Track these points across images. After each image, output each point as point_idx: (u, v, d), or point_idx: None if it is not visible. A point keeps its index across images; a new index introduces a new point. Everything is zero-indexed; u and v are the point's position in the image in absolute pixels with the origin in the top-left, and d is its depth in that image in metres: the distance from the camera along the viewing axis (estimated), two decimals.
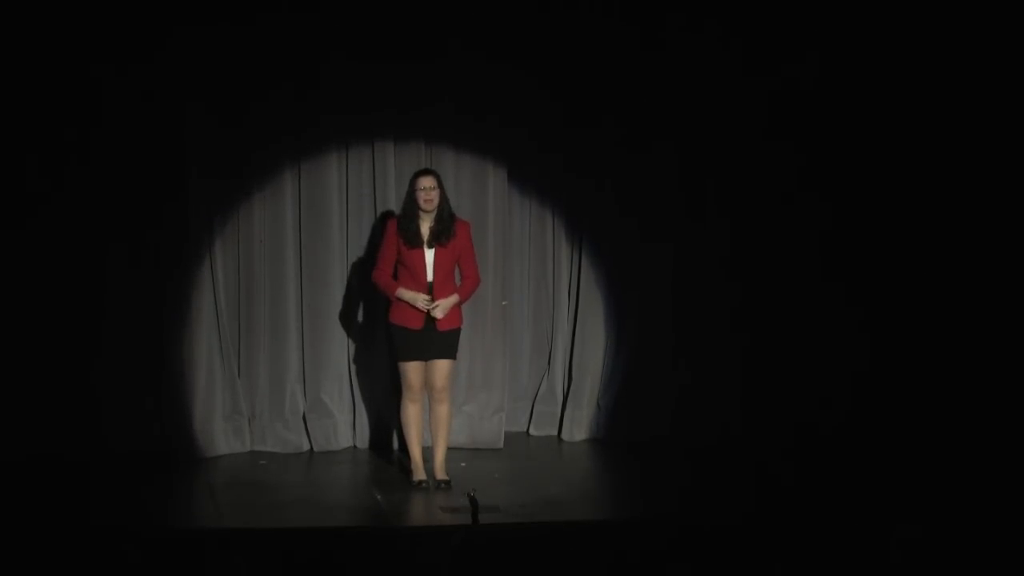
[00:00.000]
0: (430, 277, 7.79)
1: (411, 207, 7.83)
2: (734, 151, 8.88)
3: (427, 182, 7.79)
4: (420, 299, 7.78)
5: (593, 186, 9.08)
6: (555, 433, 9.26)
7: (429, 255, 7.80)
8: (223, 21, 8.41)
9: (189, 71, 8.41)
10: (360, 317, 8.86)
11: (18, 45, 8.13)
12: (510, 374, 9.17)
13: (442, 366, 7.85)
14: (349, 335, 8.87)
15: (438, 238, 7.79)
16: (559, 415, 9.26)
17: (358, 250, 8.87)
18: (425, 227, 7.81)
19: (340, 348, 8.87)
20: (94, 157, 8.32)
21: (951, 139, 8.65)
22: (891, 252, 8.76)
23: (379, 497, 7.71)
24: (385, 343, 8.54)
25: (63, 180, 8.27)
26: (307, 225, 8.77)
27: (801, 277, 8.84)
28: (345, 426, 8.89)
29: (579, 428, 9.17)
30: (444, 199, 7.84)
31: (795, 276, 8.84)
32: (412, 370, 7.83)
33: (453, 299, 7.81)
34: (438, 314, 7.77)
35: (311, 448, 8.81)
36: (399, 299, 7.81)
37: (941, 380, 8.63)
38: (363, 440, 8.89)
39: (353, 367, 8.87)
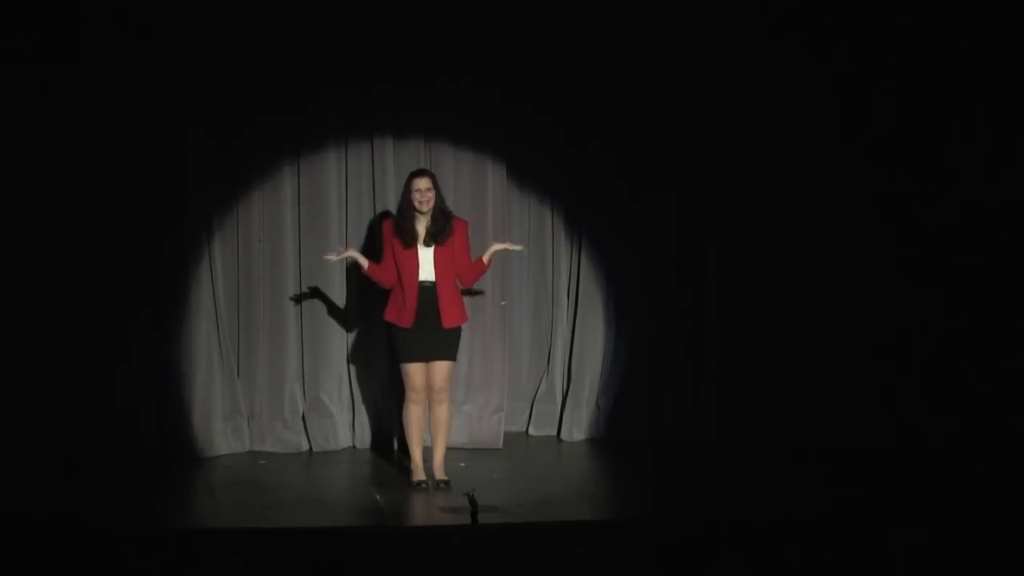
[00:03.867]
0: (422, 276, 7.78)
1: (406, 207, 7.82)
2: (735, 151, 8.88)
3: (423, 183, 7.78)
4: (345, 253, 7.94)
5: (593, 185, 9.06)
6: (554, 433, 9.25)
7: (424, 254, 7.79)
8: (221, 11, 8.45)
9: (187, 67, 8.41)
10: (359, 316, 8.85)
11: (12, 37, 8.14)
12: (509, 374, 9.16)
13: (442, 367, 7.84)
14: (348, 334, 8.86)
15: (436, 238, 7.79)
16: (558, 415, 9.25)
17: (357, 249, 8.85)
18: (421, 227, 7.80)
19: (339, 347, 8.86)
20: (91, 154, 8.31)
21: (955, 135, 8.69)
22: (901, 239, 8.74)
23: (379, 497, 7.71)
24: (384, 342, 8.53)
25: (59, 178, 8.26)
26: (306, 224, 8.77)
27: (804, 276, 8.83)
28: (344, 426, 8.88)
29: (578, 428, 9.16)
30: (440, 199, 7.84)
31: (798, 275, 8.83)
32: (414, 371, 7.82)
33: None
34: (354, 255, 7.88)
35: (310, 448, 8.81)
36: (369, 272, 7.88)
37: (945, 384, 8.64)
38: (362, 440, 8.88)
39: (352, 366, 8.86)
